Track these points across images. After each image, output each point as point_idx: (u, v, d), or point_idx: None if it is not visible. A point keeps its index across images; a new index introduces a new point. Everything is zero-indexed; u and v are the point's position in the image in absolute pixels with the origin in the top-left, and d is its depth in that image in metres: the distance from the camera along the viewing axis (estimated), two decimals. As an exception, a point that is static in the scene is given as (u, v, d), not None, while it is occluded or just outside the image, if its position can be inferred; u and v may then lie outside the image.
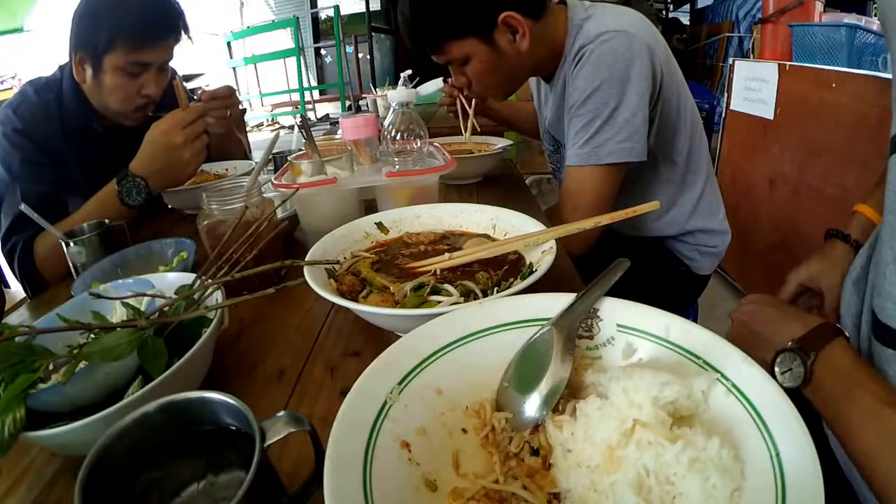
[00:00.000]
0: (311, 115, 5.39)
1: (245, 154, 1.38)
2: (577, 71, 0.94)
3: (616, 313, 0.42)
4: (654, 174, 1.08)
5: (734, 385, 0.34)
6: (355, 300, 0.58)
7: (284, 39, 5.53)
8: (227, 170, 1.27)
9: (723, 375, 0.35)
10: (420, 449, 0.36)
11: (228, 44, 5.57)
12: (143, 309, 0.53)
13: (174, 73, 1.19)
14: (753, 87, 1.82)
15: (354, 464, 0.32)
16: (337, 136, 1.41)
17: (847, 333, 0.56)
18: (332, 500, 0.28)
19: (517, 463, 0.36)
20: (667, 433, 0.32)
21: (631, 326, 0.41)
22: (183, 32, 1.08)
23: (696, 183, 1.11)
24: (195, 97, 1.13)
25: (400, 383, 0.39)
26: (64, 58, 1.08)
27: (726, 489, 0.29)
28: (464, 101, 1.21)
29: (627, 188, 1.03)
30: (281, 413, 0.34)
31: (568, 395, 0.38)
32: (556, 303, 0.43)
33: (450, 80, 1.18)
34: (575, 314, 0.41)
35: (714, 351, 0.37)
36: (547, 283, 0.51)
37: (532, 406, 0.38)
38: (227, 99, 1.12)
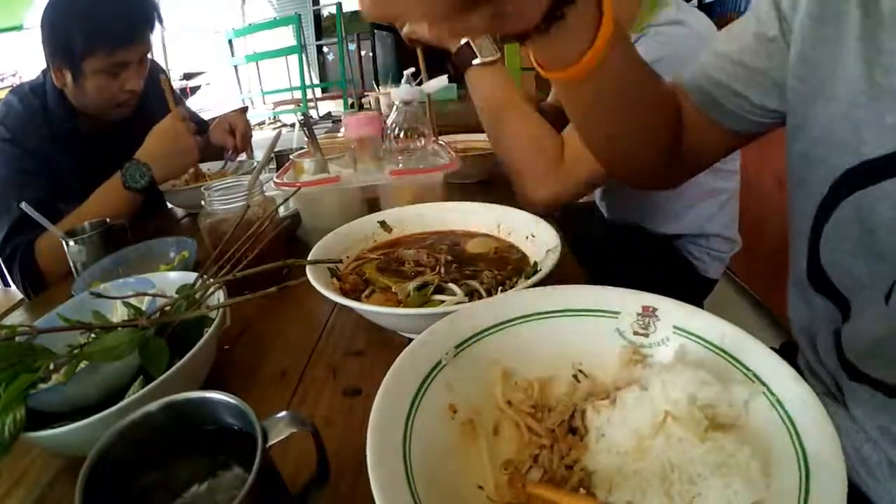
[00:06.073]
0: (313, 113, 5.38)
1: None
2: (637, 44, 0.95)
3: (674, 315, 0.42)
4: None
5: (779, 401, 0.34)
6: (358, 299, 0.58)
7: (286, 37, 5.52)
8: (227, 168, 1.27)
9: (769, 390, 0.35)
10: (464, 408, 0.38)
11: (230, 41, 5.56)
12: (144, 308, 0.52)
13: (161, 70, 1.21)
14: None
15: (402, 403, 0.35)
16: (339, 135, 1.41)
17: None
18: (375, 423, 0.32)
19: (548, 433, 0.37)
20: (698, 432, 0.32)
21: (687, 329, 0.41)
22: (158, 22, 1.08)
23: (722, 194, 1.13)
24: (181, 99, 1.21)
25: (457, 347, 0.40)
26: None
27: (747, 500, 0.29)
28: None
29: None
30: (283, 413, 0.34)
31: (615, 389, 0.38)
32: (624, 296, 0.44)
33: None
34: None
35: (765, 365, 0.36)
36: (552, 283, 0.50)
37: None
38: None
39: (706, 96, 0.57)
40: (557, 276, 0.54)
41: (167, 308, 0.49)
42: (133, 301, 0.53)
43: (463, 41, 0.80)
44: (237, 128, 1.27)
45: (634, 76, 0.53)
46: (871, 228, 0.44)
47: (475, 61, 0.80)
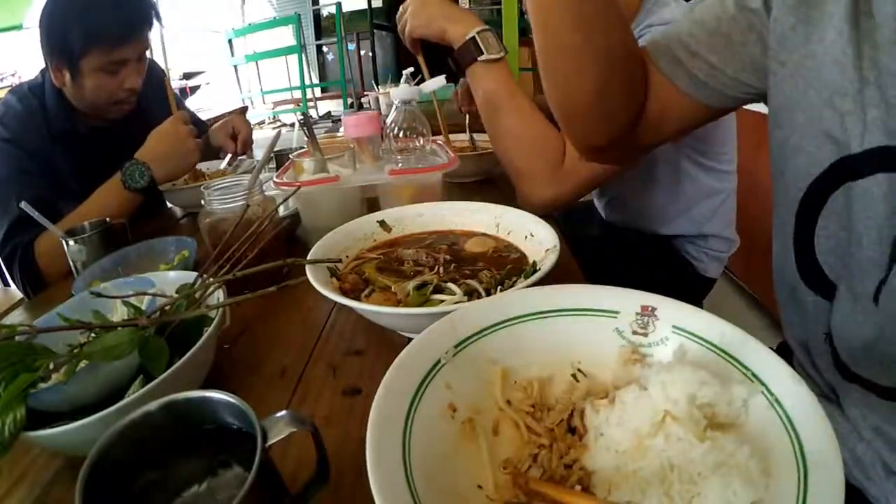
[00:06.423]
0: (312, 112, 5.38)
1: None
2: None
3: (674, 315, 0.42)
4: (685, 172, 1.10)
5: (777, 400, 0.34)
6: (358, 299, 0.58)
7: (286, 37, 5.52)
8: (226, 168, 1.27)
9: (768, 389, 0.35)
10: (464, 407, 0.38)
11: (230, 41, 5.56)
12: (143, 308, 0.52)
13: (161, 71, 1.21)
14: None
15: (402, 402, 0.35)
16: (339, 134, 1.41)
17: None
18: (374, 422, 0.32)
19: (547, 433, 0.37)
20: (697, 432, 0.32)
21: (686, 329, 0.41)
22: (156, 20, 1.08)
23: (720, 194, 1.14)
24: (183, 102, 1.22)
25: (456, 346, 0.40)
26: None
27: (746, 499, 0.29)
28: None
29: (658, 179, 1.04)
30: (283, 413, 0.34)
31: (614, 388, 0.39)
32: (623, 296, 0.44)
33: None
34: None
35: (764, 364, 0.36)
36: (551, 282, 0.51)
37: None
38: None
39: (677, 65, 0.54)
40: (556, 276, 0.54)
41: (167, 307, 0.49)
42: (133, 300, 0.52)
43: (468, 37, 0.80)
44: (239, 132, 1.27)
45: (610, 5, 0.51)
46: (859, 223, 0.43)
47: (481, 58, 0.80)
